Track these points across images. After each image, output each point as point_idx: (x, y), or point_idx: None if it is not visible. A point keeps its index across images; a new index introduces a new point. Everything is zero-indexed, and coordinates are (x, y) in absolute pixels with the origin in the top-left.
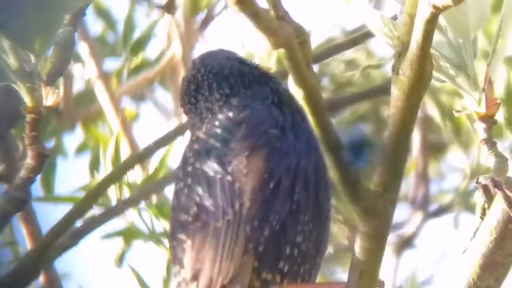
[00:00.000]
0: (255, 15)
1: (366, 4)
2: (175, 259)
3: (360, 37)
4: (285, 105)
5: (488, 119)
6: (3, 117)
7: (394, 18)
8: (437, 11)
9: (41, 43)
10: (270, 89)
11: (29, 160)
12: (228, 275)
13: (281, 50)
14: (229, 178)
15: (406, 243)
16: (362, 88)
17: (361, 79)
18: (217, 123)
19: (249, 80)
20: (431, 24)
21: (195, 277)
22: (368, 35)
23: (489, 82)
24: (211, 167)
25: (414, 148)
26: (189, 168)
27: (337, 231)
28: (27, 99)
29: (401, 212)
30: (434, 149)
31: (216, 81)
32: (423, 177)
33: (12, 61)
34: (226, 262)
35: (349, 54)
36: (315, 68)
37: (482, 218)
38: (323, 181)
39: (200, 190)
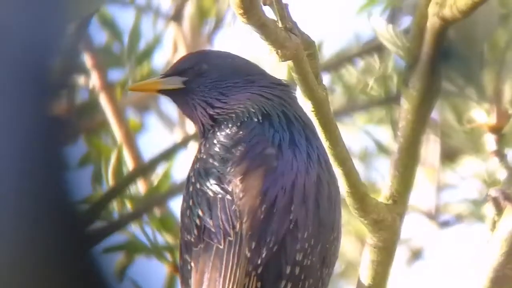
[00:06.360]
0: (262, 26)
1: (378, 17)
2: (182, 279)
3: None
4: (283, 121)
5: (499, 131)
6: None
7: (407, 30)
8: (446, 23)
9: None
10: (268, 106)
11: None
12: None
13: (290, 63)
14: (229, 197)
15: (415, 254)
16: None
17: (374, 88)
18: (215, 141)
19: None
20: (440, 36)
21: None
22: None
23: (498, 93)
24: (211, 187)
25: (425, 158)
26: (191, 188)
27: (346, 246)
28: None
29: (410, 223)
30: (445, 158)
31: (215, 95)
32: (434, 188)
33: None
34: (229, 284)
35: (362, 63)
36: (328, 77)
37: (492, 230)
38: (326, 194)
39: (200, 212)
